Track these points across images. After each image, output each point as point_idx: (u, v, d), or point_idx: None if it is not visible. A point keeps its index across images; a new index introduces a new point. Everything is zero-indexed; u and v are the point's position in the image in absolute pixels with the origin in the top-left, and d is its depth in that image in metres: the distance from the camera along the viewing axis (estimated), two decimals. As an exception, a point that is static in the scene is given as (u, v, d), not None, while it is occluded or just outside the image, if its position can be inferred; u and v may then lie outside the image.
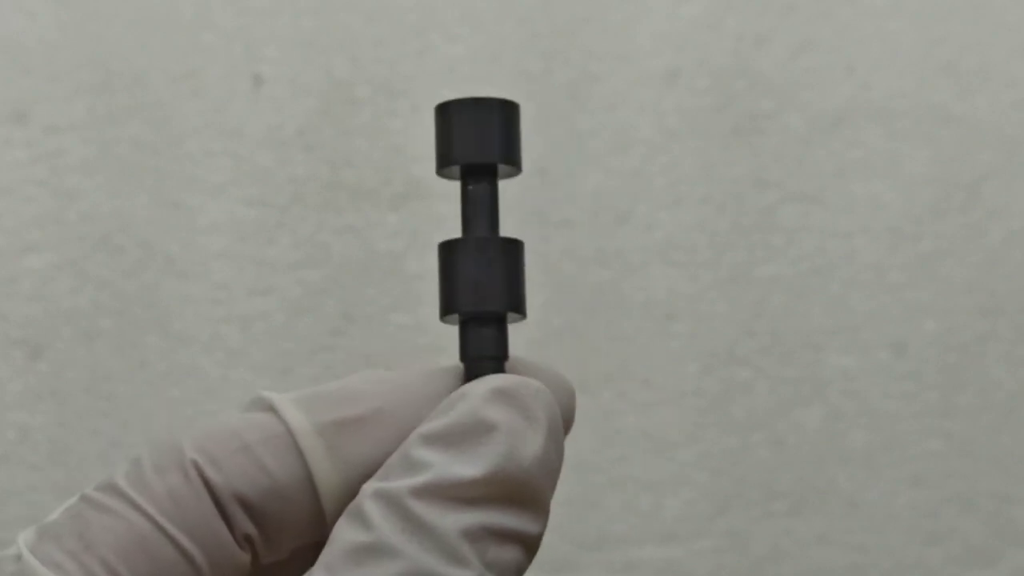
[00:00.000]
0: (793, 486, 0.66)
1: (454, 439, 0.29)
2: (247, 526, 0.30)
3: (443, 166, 0.32)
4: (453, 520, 0.28)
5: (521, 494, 0.28)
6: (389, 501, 0.28)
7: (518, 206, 0.64)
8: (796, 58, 0.68)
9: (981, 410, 0.67)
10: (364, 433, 0.31)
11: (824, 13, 0.68)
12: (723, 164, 0.67)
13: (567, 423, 0.32)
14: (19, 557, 0.29)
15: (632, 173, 0.67)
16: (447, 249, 0.32)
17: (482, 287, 0.31)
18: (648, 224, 0.67)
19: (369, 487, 0.29)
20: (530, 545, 0.29)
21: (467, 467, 0.28)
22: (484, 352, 0.31)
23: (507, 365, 0.31)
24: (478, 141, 0.32)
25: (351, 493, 0.30)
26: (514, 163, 0.32)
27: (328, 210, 0.66)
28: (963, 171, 0.67)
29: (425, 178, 0.67)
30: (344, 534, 0.29)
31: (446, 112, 0.32)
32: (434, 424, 0.29)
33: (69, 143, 0.66)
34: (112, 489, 0.30)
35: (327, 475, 0.30)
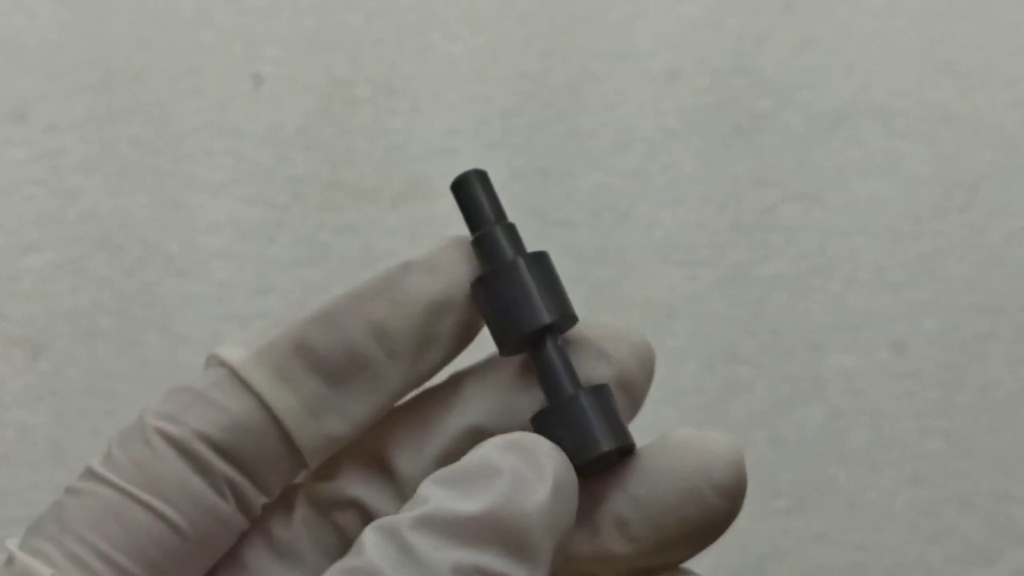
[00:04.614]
0: (793, 485, 0.66)
1: (460, 479, 0.29)
2: (222, 467, 0.31)
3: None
4: (446, 554, 0.28)
5: (518, 541, 0.28)
6: (385, 530, 0.29)
7: (518, 206, 0.64)
8: (796, 57, 0.68)
9: (981, 409, 0.67)
10: (311, 348, 0.32)
11: (824, 12, 0.68)
12: (723, 163, 0.67)
13: (646, 381, 0.33)
14: (9, 557, 0.30)
15: (632, 173, 0.67)
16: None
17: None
18: (648, 223, 0.67)
19: (375, 522, 0.30)
20: None
21: (467, 503, 0.28)
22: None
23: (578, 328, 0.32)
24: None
25: (319, 413, 0.31)
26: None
27: (328, 209, 0.66)
28: (963, 170, 0.67)
29: (425, 178, 0.67)
30: (340, 561, 0.29)
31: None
32: (446, 468, 0.30)
33: (69, 142, 0.66)
34: (86, 473, 0.31)
35: (280, 396, 0.31)
